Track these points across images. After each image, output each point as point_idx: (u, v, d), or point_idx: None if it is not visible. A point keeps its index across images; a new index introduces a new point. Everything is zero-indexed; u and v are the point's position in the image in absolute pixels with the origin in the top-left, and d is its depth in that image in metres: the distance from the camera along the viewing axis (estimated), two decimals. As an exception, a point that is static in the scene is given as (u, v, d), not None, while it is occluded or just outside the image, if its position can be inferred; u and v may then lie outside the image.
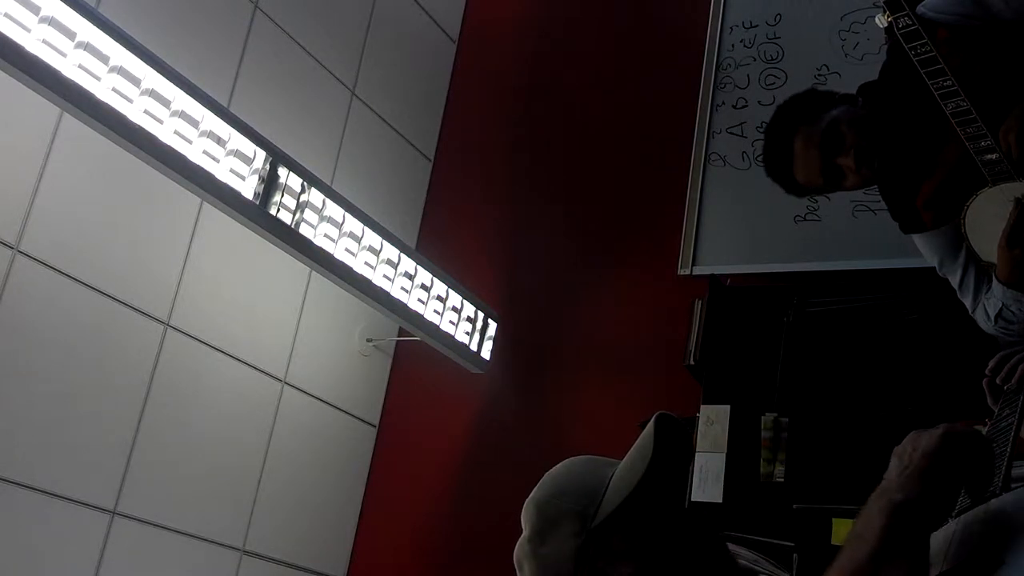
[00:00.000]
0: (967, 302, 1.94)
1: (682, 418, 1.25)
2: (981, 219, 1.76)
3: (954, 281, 1.94)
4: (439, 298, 3.16)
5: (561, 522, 1.16)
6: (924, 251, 1.97)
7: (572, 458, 1.28)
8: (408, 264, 3.05)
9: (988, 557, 0.98)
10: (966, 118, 1.66)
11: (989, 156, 1.68)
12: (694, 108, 3.23)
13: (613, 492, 1.16)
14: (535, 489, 1.23)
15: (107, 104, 2.22)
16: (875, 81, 1.95)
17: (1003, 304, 1.81)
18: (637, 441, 1.20)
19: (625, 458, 1.20)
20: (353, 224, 2.86)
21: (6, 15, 2.06)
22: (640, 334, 3.19)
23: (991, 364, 1.49)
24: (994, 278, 1.80)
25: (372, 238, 2.92)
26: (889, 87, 1.90)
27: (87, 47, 2.19)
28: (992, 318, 1.86)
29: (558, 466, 1.26)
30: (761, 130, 2.79)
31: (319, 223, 2.75)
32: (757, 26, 3.23)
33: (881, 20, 1.67)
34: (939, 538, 1.01)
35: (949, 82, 1.64)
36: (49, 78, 2.11)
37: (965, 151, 1.72)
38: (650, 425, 1.19)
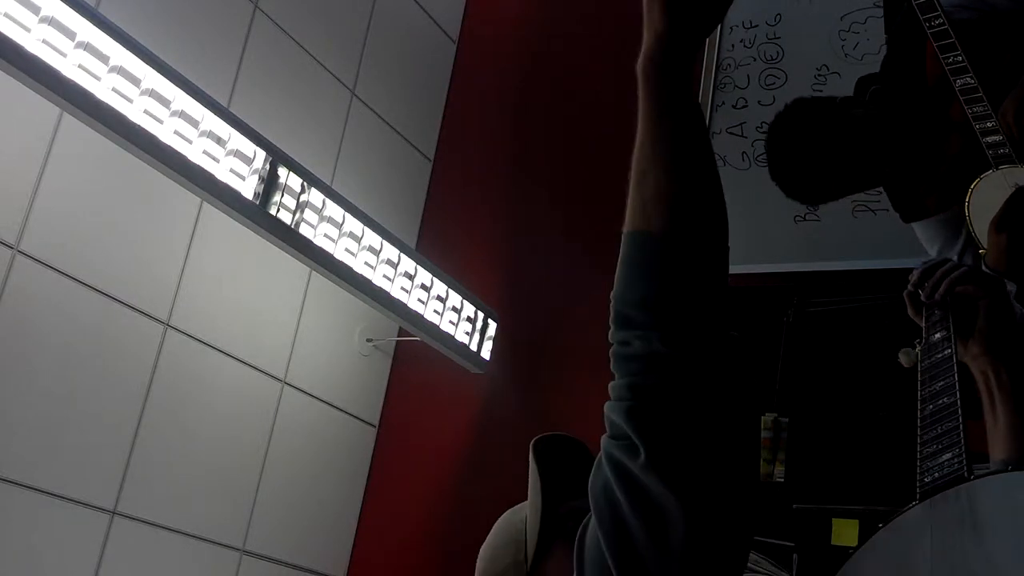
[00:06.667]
0: None
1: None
2: (984, 203, 1.76)
3: None
4: (439, 298, 3.16)
5: None
6: (924, 238, 1.98)
7: (498, 518, 1.37)
8: (408, 264, 3.05)
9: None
10: (974, 96, 1.66)
11: (993, 138, 1.68)
12: (694, 108, 3.22)
13: (531, 529, 1.23)
14: (476, 566, 1.32)
15: (107, 104, 2.22)
16: (875, 74, 1.95)
17: None
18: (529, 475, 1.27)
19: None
20: (353, 224, 2.86)
21: (6, 15, 2.06)
22: (640, 334, 3.19)
23: (914, 277, 1.48)
24: (983, 264, 1.81)
25: (372, 238, 2.93)
26: (890, 78, 1.91)
27: (87, 47, 2.19)
28: None
29: (489, 535, 1.36)
30: (761, 130, 2.79)
31: (319, 223, 2.75)
32: (757, 26, 3.23)
33: None
34: (918, 552, 0.99)
35: (960, 57, 1.64)
36: (49, 78, 2.11)
37: (968, 140, 1.72)
38: (530, 457, 1.26)
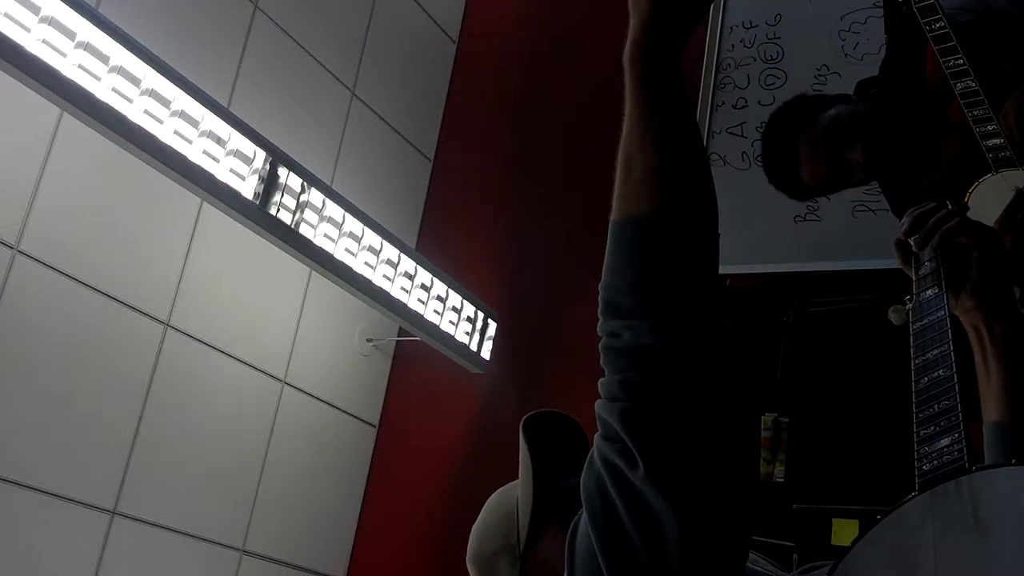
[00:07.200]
0: None
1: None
2: (982, 207, 1.76)
3: None
4: (439, 298, 3.16)
5: (497, 562, 1.22)
6: None
7: (489, 498, 1.34)
8: (408, 264, 3.05)
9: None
10: (974, 99, 1.66)
11: (994, 141, 1.68)
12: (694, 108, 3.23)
13: (522, 512, 1.21)
14: (468, 547, 1.29)
15: (107, 104, 2.22)
16: (874, 77, 1.96)
17: None
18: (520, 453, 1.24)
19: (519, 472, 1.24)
20: (353, 224, 2.86)
21: (6, 15, 2.06)
22: (640, 334, 3.19)
23: (904, 225, 1.38)
24: None
25: (372, 238, 2.92)
26: (890, 81, 1.91)
27: (87, 47, 2.19)
28: None
29: (479, 515, 1.33)
30: (761, 130, 2.79)
31: (319, 223, 2.75)
32: (757, 26, 3.23)
33: None
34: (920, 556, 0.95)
35: (960, 60, 1.64)
36: (49, 78, 2.11)
37: (967, 143, 1.72)
38: (520, 435, 1.23)
